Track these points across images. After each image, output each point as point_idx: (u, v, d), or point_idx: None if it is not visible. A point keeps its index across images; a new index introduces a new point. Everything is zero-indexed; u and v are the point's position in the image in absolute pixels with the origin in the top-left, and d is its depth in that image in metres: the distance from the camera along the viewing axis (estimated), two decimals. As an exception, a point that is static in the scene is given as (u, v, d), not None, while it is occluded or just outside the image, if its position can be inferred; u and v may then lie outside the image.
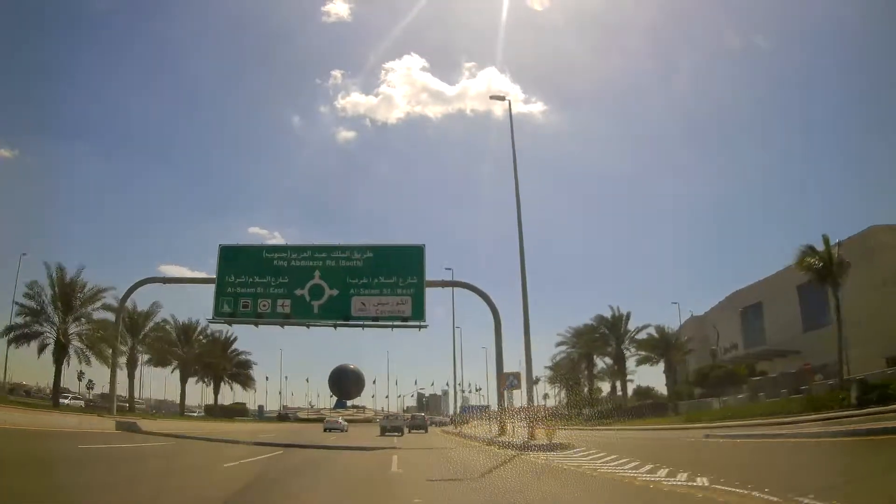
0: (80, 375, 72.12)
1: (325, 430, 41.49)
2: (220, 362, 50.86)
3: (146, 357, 46.60)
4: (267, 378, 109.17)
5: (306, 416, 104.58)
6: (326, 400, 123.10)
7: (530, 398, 24.02)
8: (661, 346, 48.79)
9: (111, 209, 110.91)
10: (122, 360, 38.93)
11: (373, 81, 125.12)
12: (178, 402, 52.25)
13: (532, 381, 54.53)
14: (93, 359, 33.87)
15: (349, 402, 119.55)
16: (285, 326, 28.82)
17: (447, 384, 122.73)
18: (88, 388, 78.51)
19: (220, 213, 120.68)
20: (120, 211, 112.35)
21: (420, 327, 27.37)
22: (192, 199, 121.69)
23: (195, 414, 57.22)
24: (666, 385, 52.23)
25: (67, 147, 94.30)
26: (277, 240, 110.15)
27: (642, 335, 50.38)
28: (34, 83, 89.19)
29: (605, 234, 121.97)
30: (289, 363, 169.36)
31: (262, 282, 28.57)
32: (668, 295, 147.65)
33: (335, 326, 28.27)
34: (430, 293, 27.60)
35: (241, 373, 56.29)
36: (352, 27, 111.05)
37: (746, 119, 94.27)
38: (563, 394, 79.60)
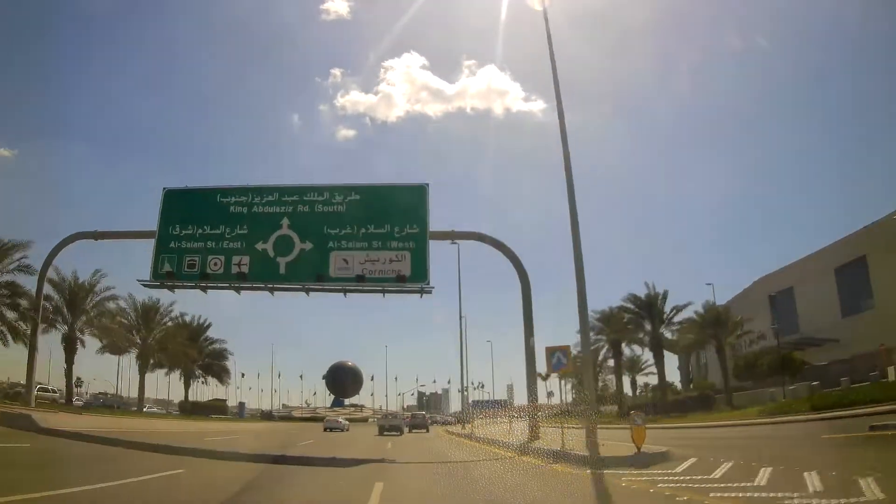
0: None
1: (325, 430, 39.95)
2: (185, 350, 43.50)
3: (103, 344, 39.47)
4: (259, 374, 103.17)
5: (301, 416, 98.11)
6: (324, 398, 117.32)
7: (596, 384, 17.47)
8: (712, 326, 40.68)
9: (110, 211, 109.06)
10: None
11: (372, 80, 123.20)
12: (174, 400, 46.27)
13: (595, 363, 47.72)
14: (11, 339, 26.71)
15: (347, 401, 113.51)
16: (242, 292, 21.81)
17: (448, 381, 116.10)
18: (77, 385, 79.17)
19: None
20: (119, 212, 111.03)
21: (422, 291, 20.31)
22: None
23: (157, 410, 50.15)
24: (712, 373, 44.65)
25: (67, 147, 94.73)
26: None
27: (684, 315, 42.84)
28: (34, 83, 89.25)
29: (607, 230, 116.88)
30: (285, 360, 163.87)
31: (215, 234, 21.53)
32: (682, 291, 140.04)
33: (306, 291, 21.21)
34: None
35: (214, 364, 49.14)
36: (351, 25, 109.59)
37: (751, 116, 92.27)
38: (574, 390, 74.13)
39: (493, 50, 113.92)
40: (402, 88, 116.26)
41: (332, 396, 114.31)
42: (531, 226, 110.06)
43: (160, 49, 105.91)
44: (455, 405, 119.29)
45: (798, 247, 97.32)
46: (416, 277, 19.95)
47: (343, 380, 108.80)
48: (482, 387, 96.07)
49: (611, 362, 58.92)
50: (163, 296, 47.54)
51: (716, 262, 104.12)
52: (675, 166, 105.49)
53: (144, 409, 42.64)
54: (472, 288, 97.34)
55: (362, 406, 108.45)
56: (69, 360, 33.28)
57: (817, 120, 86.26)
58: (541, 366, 19.66)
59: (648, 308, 42.36)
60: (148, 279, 21.74)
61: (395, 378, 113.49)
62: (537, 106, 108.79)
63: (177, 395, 65.82)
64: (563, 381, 74.66)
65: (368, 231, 20.70)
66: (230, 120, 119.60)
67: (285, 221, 21.24)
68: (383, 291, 20.62)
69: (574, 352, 21.20)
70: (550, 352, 14.74)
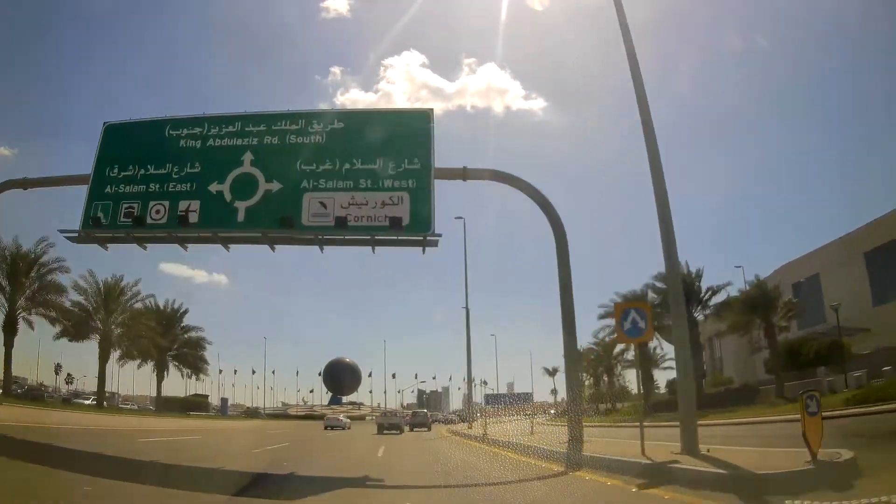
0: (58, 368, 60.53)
1: (325, 428, 39.38)
2: (154, 336, 38.34)
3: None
4: (253, 371, 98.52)
5: (297, 413, 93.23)
6: (321, 396, 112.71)
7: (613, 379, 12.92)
8: (762, 307, 35.12)
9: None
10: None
11: (372, 78, 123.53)
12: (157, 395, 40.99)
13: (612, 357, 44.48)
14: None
15: (345, 399, 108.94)
16: (190, 246, 16.85)
17: (449, 379, 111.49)
18: (68, 382, 70.04)
19: None
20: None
21: (425, 243, 15.30)
22: None
23: (129, 406, 45.13)
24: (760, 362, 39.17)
25: (66, 146, 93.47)
26: None
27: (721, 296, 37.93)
28: (34, 83, 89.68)
29: (605, 228, 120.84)
30: (281, 357, 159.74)
31: (159, 174, 16.57)
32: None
33: (271, 245, 16.22)
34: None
35: (189, 355, 43.91)
36: (351, 23, 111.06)
37: (750, 116, 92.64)
38: (589, 383, 68.79)
39: (493, 48, 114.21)
40: (402, 87, 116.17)
41: (330, 394, 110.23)
42: (530, 227, 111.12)
43: (159, 47, 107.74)
44: (455, 403, 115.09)
45: (798, 246, 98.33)
46: (417, 225, 14.94)
47: (341, 377, 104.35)
48: (485, 384, 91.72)
49: (628, 354, 54.27)
50: (128, 272, 42.75)
51: (716, 261, 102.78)
52: (674, 166, 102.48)
53: (107, 404, 37.54)
54: (471, 287, 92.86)
55: (361, 404, 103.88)
56: (8, 344, 28.30)
57: (817, 120, 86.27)
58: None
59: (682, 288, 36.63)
60: (74, 230, 16.81)
61: (394, 375, 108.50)
62: (537, 104, 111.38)
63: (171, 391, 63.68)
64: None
65: (354, 167, 15.70)
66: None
67: (247, 157, 16.26)
68: (372, 243, 15.55)
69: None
70: (622, 311, 9.80)
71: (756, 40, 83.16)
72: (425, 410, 57.47)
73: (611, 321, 44.36)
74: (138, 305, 38.39)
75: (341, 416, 44.69)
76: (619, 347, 48.78)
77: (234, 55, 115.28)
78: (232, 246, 16.93)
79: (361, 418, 70.56)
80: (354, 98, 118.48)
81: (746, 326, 37.23)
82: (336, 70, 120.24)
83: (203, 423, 36.71)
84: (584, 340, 73.51)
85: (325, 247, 15.85)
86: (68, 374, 69.37)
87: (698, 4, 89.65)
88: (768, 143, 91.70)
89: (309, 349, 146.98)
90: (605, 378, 62.06)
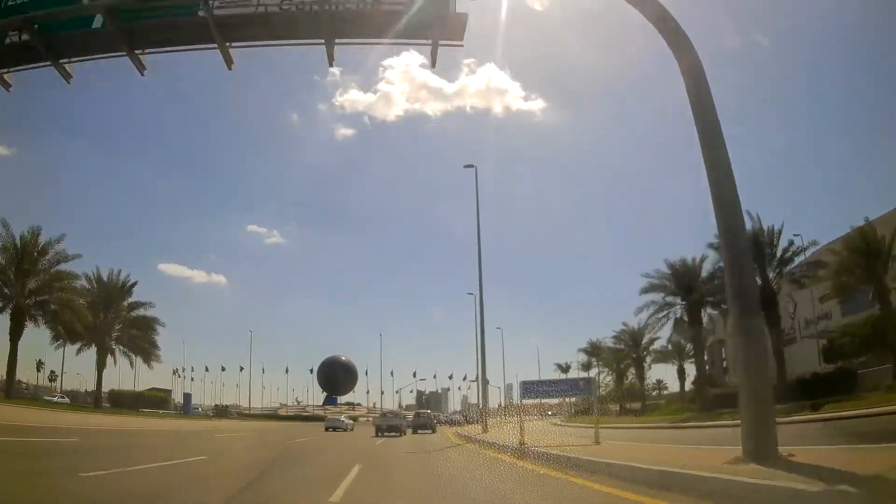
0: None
1: (326, 430, 38.29)
2: (83, 311, 30.03)
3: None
4: (241, 368, 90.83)
5: (286, 414, 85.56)
6: (315, 396, 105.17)
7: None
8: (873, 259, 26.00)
9: (109, 206, 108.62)
10: None
11: (371, 78, 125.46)
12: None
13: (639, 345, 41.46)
14: None
15: (340, 399, 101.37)
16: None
17: (450, 377, 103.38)
18: (51, 380, 66.10)
19: (219, 211, 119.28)
20: (118, 208, 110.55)
21: (441, 32, 7.46)
22: (191, 196, 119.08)
23: (56, 399, 37.35)
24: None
25: (65, 144, 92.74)
26: (276, 239, 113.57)
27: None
28: (31, 80, 78.31)
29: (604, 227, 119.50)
30: (272, 355, 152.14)
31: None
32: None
33: (130, 53, 8.41)
34: None
35: (138, 338, 35.77)
36: None
37: (750, 115, 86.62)
38: (609, 379, 60.42)
39: (492, 49, 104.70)
40: (401, 87, 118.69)
41: (325, 394, 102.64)
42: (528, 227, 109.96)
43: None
44: (454, 404, 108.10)
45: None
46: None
47: (336, 376, 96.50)
48: (487, 382, 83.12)
49: (657, 343, 46.16)
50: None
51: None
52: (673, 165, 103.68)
53: (11, 396, 29.15)
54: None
55: (357, 404, 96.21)
56: None
57: (817, 120, 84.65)
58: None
59: (756, 248, 28.21)
60: None
61: (392, 373, 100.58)
62: (537, 105, 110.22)
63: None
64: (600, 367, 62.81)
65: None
66: (230, 118, 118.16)
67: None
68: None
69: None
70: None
71: (755, 40, 78.64)
72: (428, 411, 50.13)
73: (656, 296, 36.66)
74: (70, 273, 30.36)
75: (343, 417, 42.87)
76: (655, 331, 40.56)
77: (233, 51, 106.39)
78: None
79: (354, 419, 62.83)
80: (354, 98, 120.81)
81: (851, 289, 28.17)
82: (335, 70, 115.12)
83: (121, 420, 28.39)
84: (603, 334, 65.64)
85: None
86: (52, 371, 61.54)
87: (697, 4, 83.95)
88: (767, 143, 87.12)
89: (307, 347, 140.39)
90: (633, 371, 54.22)
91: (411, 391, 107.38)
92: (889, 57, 73.51)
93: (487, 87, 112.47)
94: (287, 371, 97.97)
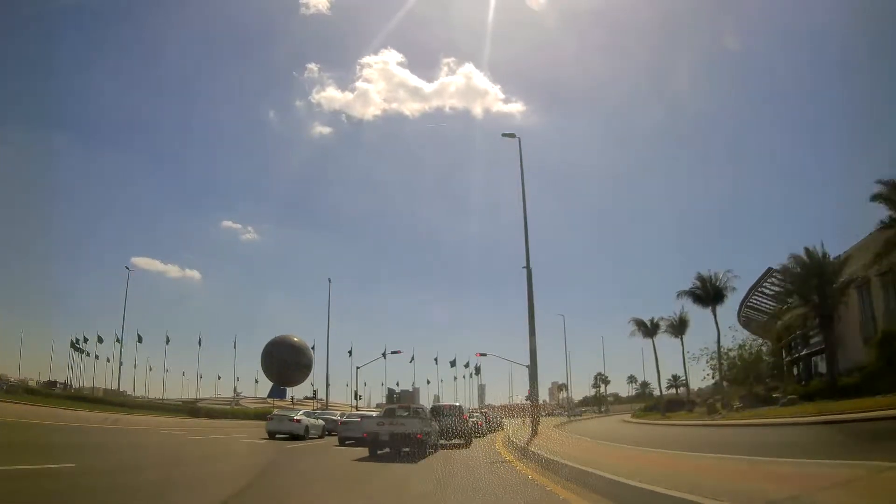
0: None
1: (269, 437, 25.05)
2: None
3: None
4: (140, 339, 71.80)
5: (211, 406, 65.65)
6: (259, 387, 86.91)
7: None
8: None
9: (82, 201, 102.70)
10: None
11: (349, 76, 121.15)
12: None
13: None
14: None
15: (290, 391, 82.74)
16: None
17: (435, 360, 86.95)
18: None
19: (193, 207, 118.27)
20: (91, 203, 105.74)
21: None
22: (166, 192, 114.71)
23: None
24: None
25: (38, 137, 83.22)
26: (251, 235, 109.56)
27: None
28: (10, 73, 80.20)
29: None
30: (245, 349, 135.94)
31: None
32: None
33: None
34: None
35: None
36: (331, 20, 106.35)
37: (749, 115, 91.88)
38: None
39: (472, 48, 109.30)
40: (379, 86, 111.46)
41: (272, 384, 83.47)
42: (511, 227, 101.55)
43: (136, 39, 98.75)
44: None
45: (797, 245, 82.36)
46: None
47: (284, 360, 77.94)
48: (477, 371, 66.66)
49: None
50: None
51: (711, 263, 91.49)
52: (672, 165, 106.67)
53: None
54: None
55: (315, 398, 77.32)
56: None
57: (816, 120, 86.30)
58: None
59: None
60: None
61: (349, 353, 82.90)
62: (516, 107, 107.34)
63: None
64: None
65: None
66: (205, 113, 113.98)
67: None
68: None
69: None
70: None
71: (754, 41, 78.68)
72: (459, 404, 32.74)
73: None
74: None
75: (296, 416, 27.67)
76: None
77: (211, 46, 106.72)
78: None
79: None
80: (331, 96, 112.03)
81: None
82: (313, 66, 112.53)
83: None
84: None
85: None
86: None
87: (696, 4, 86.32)
88: (766, 142, 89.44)
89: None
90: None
91: (382, 384, 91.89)
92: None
93: (467, 86, 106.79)
94: (235, 353, 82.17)
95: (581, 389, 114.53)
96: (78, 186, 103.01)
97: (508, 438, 22.84)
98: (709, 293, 48.24)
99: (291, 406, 60.84)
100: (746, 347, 51.14)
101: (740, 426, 26.96)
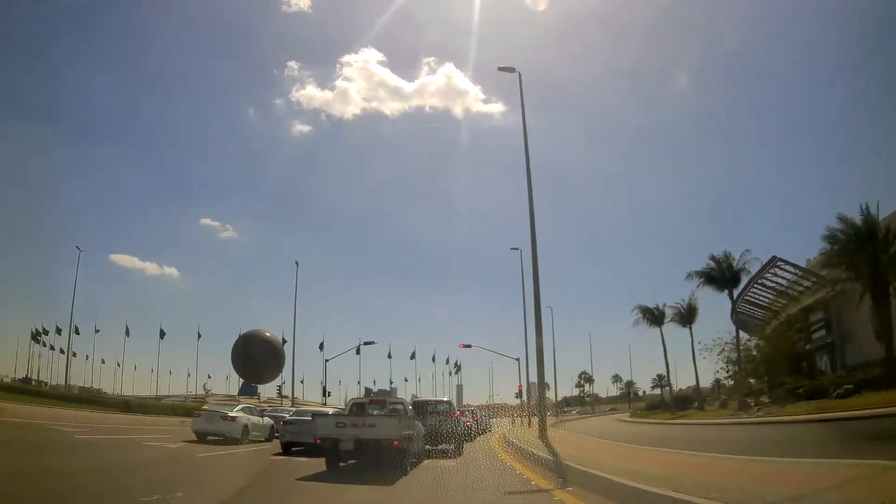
0: None
1: (199, 439, 19.68)
2: None
3: None
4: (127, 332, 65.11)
5: (146, 402, 59.11)
6: (228, 384, 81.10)
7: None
8: None
9: (60, 197, 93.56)
10: None
11: (329, 75, 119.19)
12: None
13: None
14: None
15: (260, 388, 77.33)
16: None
17: (412, 355, 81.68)
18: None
19: (171, 204, 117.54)
20: (68, 198, 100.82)
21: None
22: (144, 189, 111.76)
23: None
24: None
25: (15, 133, 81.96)
26: (230, 233, 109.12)
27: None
28: None
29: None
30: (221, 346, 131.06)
31: None
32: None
33: None
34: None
35: None
36: (312, 18, 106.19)
37: (749, 115, 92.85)
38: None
39: (453, 49, 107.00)
40: (359, 84, 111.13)
41: (242, 381, 77.69)
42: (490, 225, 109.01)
43: (116, 34, 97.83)
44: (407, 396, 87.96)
45: (798, 245, 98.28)
46: None
47: (254, 355, 71.74)
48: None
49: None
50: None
51: (700, 263, 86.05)
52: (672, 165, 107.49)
53: None
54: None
55: (286, 396, 72.11)
56: None
57: (815, 120, 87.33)
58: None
59: None
60: None
61: (321, 347, 78.15)
62: (496, 108, 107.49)
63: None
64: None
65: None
66: (184, 109, 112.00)
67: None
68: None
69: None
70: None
71: (753, 41, 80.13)
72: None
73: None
74: None
75: (234, 412, 21.02)
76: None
77: (191, 43, 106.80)
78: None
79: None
80: (311, 94, 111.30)
81: None
82: (293, 64, 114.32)
83: None
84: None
85: None
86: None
87: (696, 4, 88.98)
88: (764, 143, 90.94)
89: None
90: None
91: (358, 382, 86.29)
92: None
93: (448, 86, 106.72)
94: (198, 343, 79.90)
95: (562, 389, 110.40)
96: (55, 182, 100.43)
97: (510, 443, 17.26)
98: (724, 274, 43.19)
99: (258, 404, 54.89)
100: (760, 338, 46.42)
101: (811, 422, 21.48)
